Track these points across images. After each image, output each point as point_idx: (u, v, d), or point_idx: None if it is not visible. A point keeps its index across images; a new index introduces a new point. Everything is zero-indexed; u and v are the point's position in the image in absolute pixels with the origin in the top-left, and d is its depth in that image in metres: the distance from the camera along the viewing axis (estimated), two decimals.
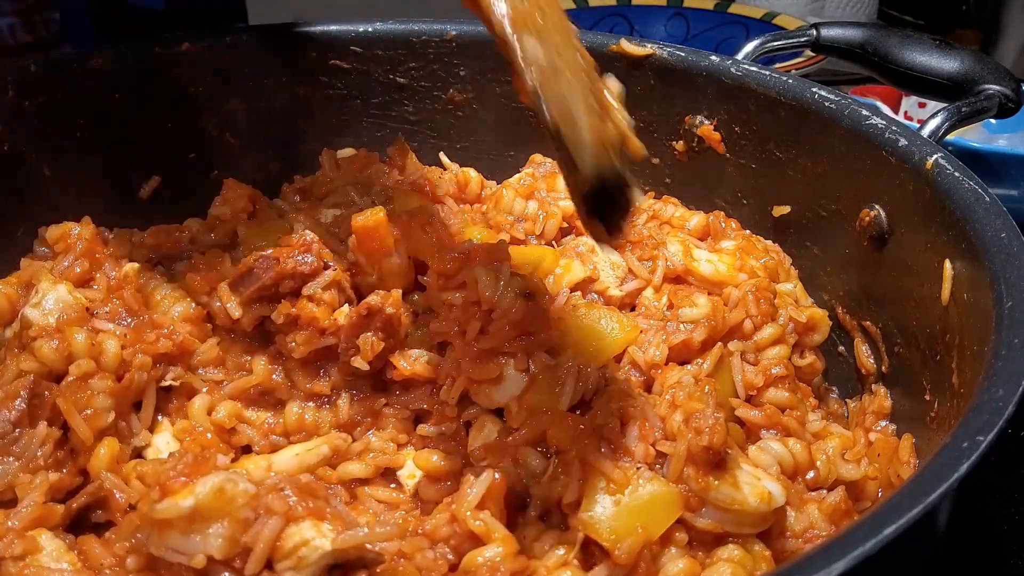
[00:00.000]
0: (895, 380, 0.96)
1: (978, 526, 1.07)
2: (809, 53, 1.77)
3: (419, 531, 0.77)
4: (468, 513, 0.75)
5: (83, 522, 0.80)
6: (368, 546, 0.71)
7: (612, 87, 0.72)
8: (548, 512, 0.80)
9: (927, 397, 0.85)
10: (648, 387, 0.92)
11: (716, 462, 0.77)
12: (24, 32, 1.36)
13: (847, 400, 1.05)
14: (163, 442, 0.89)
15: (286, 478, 0.73)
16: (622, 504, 0.75)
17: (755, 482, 0.77)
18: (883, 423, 0.95)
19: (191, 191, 1.18)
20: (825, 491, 0.84)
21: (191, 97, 1.19)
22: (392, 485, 0.90)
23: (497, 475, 0.77)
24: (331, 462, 0.90)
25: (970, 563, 1.02)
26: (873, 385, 0.99)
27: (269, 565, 0.68)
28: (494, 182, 1.24)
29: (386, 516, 0.86)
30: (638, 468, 0.78)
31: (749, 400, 0.93)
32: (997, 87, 1.09)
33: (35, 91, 1.09)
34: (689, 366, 0.92)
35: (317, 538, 0.68)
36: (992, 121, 1.72)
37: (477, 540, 0.75)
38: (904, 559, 0.59)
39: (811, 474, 0.86)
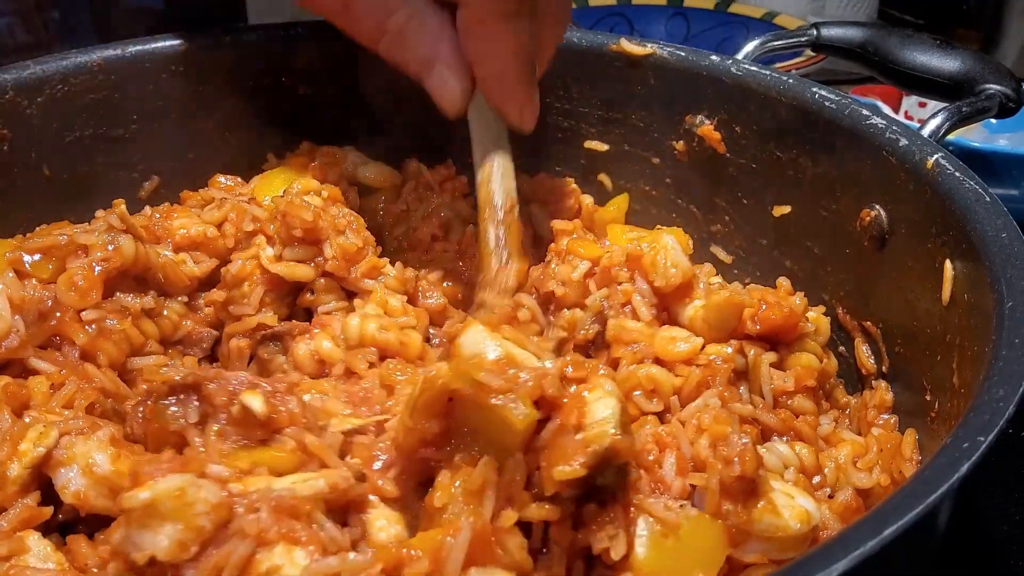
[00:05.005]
0: (895, 380, 0.96)
1: (979, 527, 1.07)
2: (809, 53, 1.77)
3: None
4: None
5: (75, 522, 0.78)
6: None
7: None
8: (571, 560, 0.71)
9: (928, 397, 0.85)
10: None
11: (750, 489, 0.73)
12: (24, 32, 1.36)
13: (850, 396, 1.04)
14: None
15: (266, 495, 0.67)
16: (668, 548, 0.68)
17: (791, 503, 0.73)
18: (885, 416, 0.94)
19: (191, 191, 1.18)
20: (829, 489, 0.84)
21: (191, 97, 1.19)
22: None
23: (472, 519, 0.65)
24: (328, 499, 0.75)
25: (971, 563, 1.02)
26: (874, 381, 0.99)
27: None
28: None
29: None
30: (681, 506, 0.72)
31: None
32: (998, 87, 1.09)
33: (35, 91, 1.09)
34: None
35: (287, 566, 0.64)
36: (993, 121, 1.72)
37: None
38: (905, 559, 0.59)
39: (816, 479, 0.84)
